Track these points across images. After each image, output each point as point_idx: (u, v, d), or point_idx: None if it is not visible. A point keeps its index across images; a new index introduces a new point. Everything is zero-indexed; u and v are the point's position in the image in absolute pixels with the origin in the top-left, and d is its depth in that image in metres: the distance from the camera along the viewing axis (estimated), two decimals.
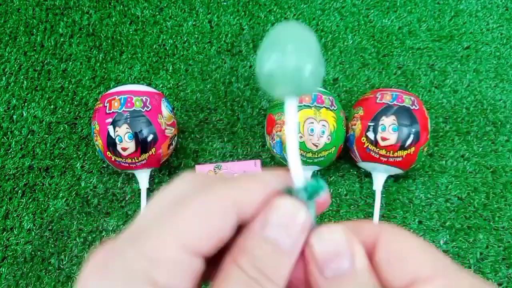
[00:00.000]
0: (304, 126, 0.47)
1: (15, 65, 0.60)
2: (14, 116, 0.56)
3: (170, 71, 0.59)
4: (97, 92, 0.58)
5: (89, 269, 0.15)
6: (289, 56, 0.16)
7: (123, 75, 0.59)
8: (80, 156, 0.54)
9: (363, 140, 0.48)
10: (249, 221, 0.16)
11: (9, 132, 0.56)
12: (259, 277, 0.15)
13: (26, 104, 0.57)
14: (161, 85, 0.59)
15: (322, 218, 0.52)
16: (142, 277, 0.14)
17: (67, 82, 0.59)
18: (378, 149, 0.47)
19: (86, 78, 0.59)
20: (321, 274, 0.16)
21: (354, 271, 0.16)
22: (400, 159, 0.47)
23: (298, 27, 0.17)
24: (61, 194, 0.52)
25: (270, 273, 0.15)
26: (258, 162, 0.51)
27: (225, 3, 0.64)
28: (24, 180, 0.53)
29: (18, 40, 0.61)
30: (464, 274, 0.16)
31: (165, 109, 0.48)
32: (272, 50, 0.16)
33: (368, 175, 0.54)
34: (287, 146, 0.17)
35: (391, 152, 0.47)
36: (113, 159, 0.47)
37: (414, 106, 0.48)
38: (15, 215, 0.51)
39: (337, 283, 0.15)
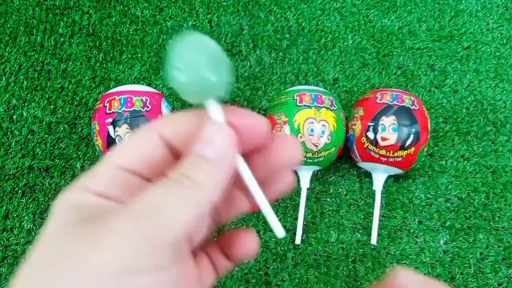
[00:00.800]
0: (304, 126, 0.47)
1: (15, 65, 0.60)
2: (14, 116, 0.56)
3: None
4: (97, 92, 0.58)
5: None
6: (189, 69, 0.19)
7: (123, 75, 0.59)
8: (80, 156, 0.54)
9: (363, 140, 0.48)
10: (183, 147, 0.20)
11: (9, 132, 0.56)
12: (178, 178, 0.18)
13: (26, 104, 0.57)
14: (161, 85, 0.59)
15: (322, 218, 0.52)
16: (80, 187, 0.19)
17: (67, 82, 0.59)
18: (378, 149, 0.47)
19: (86, 78, 0.59)
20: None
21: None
22: (400, 159, 0.47)
23: (196, 40, 0.20)
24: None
25: (192, 174, 0.18)
26: None
27: (225, 3, 0.64)
28: (24, 180, 0.53)
29: (18, 40, 0.61)
30: None
31: (165, 109, 0.48)
32: (179, 66, 0.19)
33: (368, 175, 0.54)
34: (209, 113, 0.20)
35: (391, 152, 0.47)
36: None
37: (414, 106, 0.48)
38: (15, 215, 0.51)
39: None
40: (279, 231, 0.21)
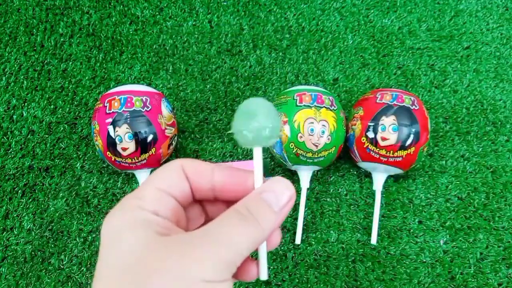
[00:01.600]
0: (304, 126, 0.47)
1: (15, 65, 0.60)
2: (14, 116, 0.56)
3: (170, 71, 0.60)
4: (97, 92, 0.58)
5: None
6: (254, 125, 0.24)
7: (123, 75, 0.59)
8: (80, 156, 0.54)
9: (363, 140, 0.48)
10: (203, 187, 0.24)
11: (9, 132, 0.56)
12: (248, 215, 0.22)
13: (26, 104, 0.57)
14: (161, 85, 0.59)
15: (322, 218, 0.52)
16: (133, 207, 0.21)
17: (67, 82, 0.59)
18: (378, 149, 0.47)
19: (86, 78, 0.59)
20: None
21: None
22: (400, 159, 0.47)
23: (260, 101, 0.25)
24: (61, 194, 0.52)
25: (258, 215, 0.22)
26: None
27: (225, 3, 0.64)
28: (24, 180, 0.53)
29: (18, 40, 0.61)
30: None
31: (165, 109, 0.48)
32: (243, 120, 0.24)
33: (368, 175, 0.54)
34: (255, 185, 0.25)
35: (391, 152, 0.47)
36: (113, 159, 0.47)
37: (414, 106, 0.48)
38: (15, 215, 0.51)
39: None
40: (263, 274, 0.25)
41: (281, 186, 0.23)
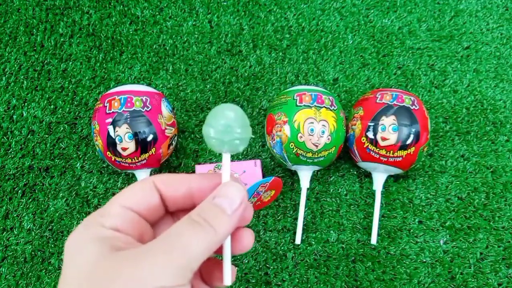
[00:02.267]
0: (304, 126, 0.47)
1: (15, 65, 0.60)
2: (14, 116, 0.56)
3: (170, 71, 0.60)
4: (97, 92, 0.58)
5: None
6: (223, 131, 0.25)
7: (123, 75, 0.59)
8: (80, 156, 0.54)
9: (363, 140, 0.48)
10: (175, 198, 0.25)
11: (9, 132, 0.56)
12: (200, 221, 0.22)
13: (26, 104, 0.57)
14: (161, 85, 0.59)
15: (322, 218, 0.52)
16: (94, 223, 0.23)
17: (67, 82, 0.59)
18: (378, 149, 0.47)
19: (86, 78, 0.59)
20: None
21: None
22: (400, 159, 0.47)
23: (230, 107, 0.25)
24: (61, 194, 0.52)
25: (211, 220, 0.22)
26: (258, 162, 0.51)
27: (225, 3, 0.64)
28: (24, 180, 0.53)
29: (18, 40, 0.61)
30: None
31: (165, 109, 0.48)
32: (212, 125, 0.25)
33: (368, 175, 0.54)
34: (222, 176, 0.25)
35: (391, 152, 0.47)
36: (113, 159, 0.47)
37: (414, 106, 0.48)
38: (15, 215, 0.51)
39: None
40: (227, 279, 0.25)
41: (233, 190, 0.24)
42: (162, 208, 0.25)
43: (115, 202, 0.24)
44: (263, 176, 0.52)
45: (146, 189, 0.25)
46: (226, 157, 0.26)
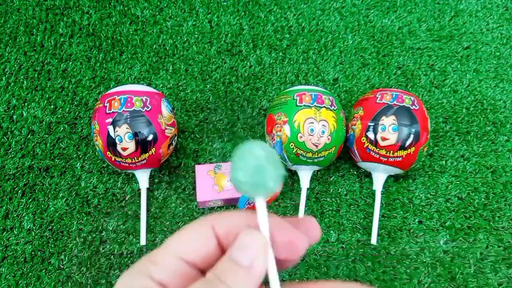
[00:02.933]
0: (304, 126, 0.47)
1: (15, 65, 0.60)
2: (14, 116, 0.56)
3: (170, 71, 0.60)
4: (97, 92, 0.58)
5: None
6: (254, 173, 0.22)
7: (123, 75, 0.59)
8: (80, 156, 0.54)
9: (363, 140, 0.48)
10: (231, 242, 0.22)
11: (9, 132, 0.56)
12: (215, 281, 0.20)
13: (26, 104, 0.57)
14: (161, 85, 0.59)
15: (322, 218, 0.52)
16: (143, 272, 0.20)
17: (67, 82, 0.59)
18: (378, 149, 0.47)
19: (86, 78, 0.59)
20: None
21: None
22: (400, 159, 0.47)
23: (258, 145, 0.23)
24: (61, 194, 0.52)
25: (227, 279, 0.20)
26: None
27: (225, 3, 0.64)
28: (24, 180, 0.53)
29: (18, 40, 0.61)
30: None
31: (165, 109, 0.48)
32: (241, 168, 0.22)
33: (368, 175, 0.54)
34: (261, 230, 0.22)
35: (391, 152, 0.47)
36: (113, 159, 0.47)
37: (414, 106, 0.48)
38: (15, 215, 0.51)
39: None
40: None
41: (250, 239, 0.21)
42: (218, 254, 0.22)
43: (171, 249, 0.21)
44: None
45: (204, 234, 0.22)
46: (261, 202, 0.22)
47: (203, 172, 0.51)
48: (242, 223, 0.22)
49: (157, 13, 0.64)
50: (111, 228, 0.51)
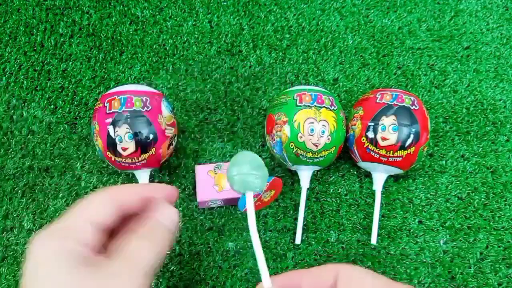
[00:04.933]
0: (304, 126, 0.47)
1: (15, 65, 0.60)
2: (14, 116, 0.56)
3: (170, 71, 0.60)
4: (97, 92, 0.58)
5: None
6: (250, 180, 0.31)
7: (123, 75, 0.59)
8: (80, 156, 0.54)
9: (363, 140, 0.48)
10: (131, 210, 0.30)
11: (9, 132, 0.56)
12: (149, 236, 0.28)
13: (26, 104, 0.57)
14: (161, 85, 0.59)
15: (322, 218, 0.52)
16: (60, 236, 0.25)
17: (67, 82, 0.59)
18: (378, 149, 0.47)
19: (86, 78, 0.59)
20: None
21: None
22: (400, 159, 0.47)
23: (249, 154, 0.32)
24: (61, 194, 0.52)
25: (152, 237, 0.28)
26: None
27: (225, 3, 0.64)
28: (24, 180, 0.53)
29: (18, 40, 0.61)
30: None
31: (165, 109, 0.48)
32: (235, 165, 0.31)
33: (368, 175, 0.54)
34: (249, 228, 0.30)
35: (391, 152, 0.47)
36: (113, 159, 0.47)
37: (414, 106, 0.48)
38: (15, 215, 0.51)
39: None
40: (267, 283, 0.28)
41: (167, 208, 0.31)
42: (119, 217, 0.29)
43: (79, 216, 0.27)
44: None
45: (104, 202, 0.28)
46: (249, 196, 0.31)
47: (203, 172, 0.51)
48: (134, 190, 0.30)
49: (157, 13, 0.64)
50: None
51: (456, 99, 0.59)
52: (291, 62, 0.60)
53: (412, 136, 0.47)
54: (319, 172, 0.54)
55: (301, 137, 0.47)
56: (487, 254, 0.50)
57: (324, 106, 0.48)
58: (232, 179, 0.31)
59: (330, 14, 0.64)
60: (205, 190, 0.49)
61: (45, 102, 0.57)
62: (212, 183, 0.50)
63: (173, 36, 0.62)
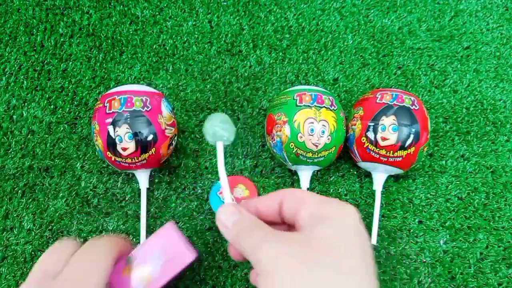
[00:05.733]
0: (304, 126, 0.47)
1: (15, 65, 0.60)
2: (14, 116, 0.56)
3: (170, 71, 0.60)
4: (97, 92, 0.58)
5: None
6: (217, 130, 0.38)
7: (123, 75, 0.59)
8: (80, 156, 0.54)
9: (363, 140, 0.48)
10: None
11: (9, 132, 0.56)
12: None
13: (26, 104, 0.57)
14: (161, 85, 0.59)
15: None
16: None
17: (67, 82, 0.59)
18: (378, 149, 0.47)
19: (86, 78, 0.59)
20: (226, 228, 0.32)
21: (242, 216, 0.32)
22: (400, 159, 0.47)
23: (221, 115, 0.39)
24: (61, 194, 0.52)
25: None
26: (170, 226, 0.41)
27: (225, 3, 0.64)
28: (24, 180, 0.53)
29: (18, 40, 0.61)
30: (332, 201, 0.31)
31: (165, 109, 0.48)
32: (209, 126, 0.39)
33: (368, 175, 0.54)
34: (219, 175, 0.37)
35: (391, 152, 0.47)
36: (113, 159, 0.47)
37: (414, 106, 0.48)
38: (15, 215, 0.51)
39: (234, 226, 0.32)
40: (228, 199, 0.35)
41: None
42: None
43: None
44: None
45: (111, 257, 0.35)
46: (220, 146, 0.37)
47: (117, 276, 0.37)
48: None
49: (157, 13, 0.64)
50: (111, 228, 0.51)
51: (456, 99, 0.59)
52: (291, 62, 0.60)
53: (412, 136, 0.47)
54: (319, 172, 0.54)
55: (301, 137, 0.47)
56: (487, 254, 0.50)
57: (324, 106, 0.48)
58: (205, 130, 0.38)
59: (330, 14, 0.64)
60: None
61: (45, 102, 0.57)
62: (130, 282, 0.38)
63: (173, 36, 0.62)
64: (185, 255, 0.39)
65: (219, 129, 0.38)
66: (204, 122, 0.39)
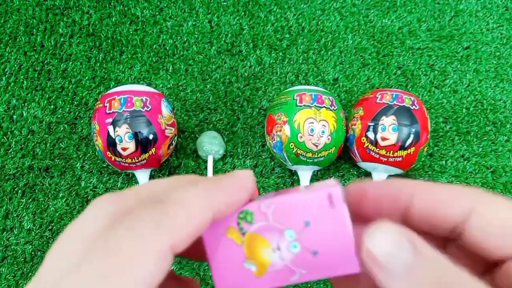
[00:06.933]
0: (304, 126, 0.47)
1: (15, 65, 0.60)
2: (14, 116, 0.56)
3: (170, 71, 0.60)
4: (97, 92, 0.58)
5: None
6: (207, 147, 0.50)
7: (123, 75, 0.59)
8: (80, 156, 0.54)
9: (363, 140, 0.48)
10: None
11: (9, 132, 0.56)
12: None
13: (26, 104, 0.57)
14: (161, 85, 0.59)
15: None
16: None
17: (67, 82, 0.59)
18: (378, 149, 0.47)
19: (86, 78, 0.59)
20: (391, 276, 0.15)
21: (422, 258, 0.15)
22: (400, 159, 0.47)
23: (212, 133, 0.51)
24: (61, 194, 0.52)
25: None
26: (335, 192, 0.19)
27: (225, 3, 0.64)
28: (24, 180, 0.53)
29: (18, 40, 0.61)
30: None
31: (165, 109, 0.48)
32: (202, 144, 0.50)
33: (368, 175, 0.54)
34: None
35: (391, 152, 0.47)
36: (113, 159, 0.47)
37: (414, 106, 0.48)
38: (15, 215, 0.51)
39: (408, 276, 0.15)
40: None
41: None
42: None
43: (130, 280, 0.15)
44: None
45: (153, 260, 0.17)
46: (210, 159, 0.46)
47: (217, 235, 0.21)
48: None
49: (157, 13, 0.64)
50: None
51: (456, 99, 0.59)
52: (291, 62, 0.60)
53: (412, 136, 0.47)
54: (319, 172, 0.54)
55: (301, 137, 0.47)
56: None
57: (324, 106, 0.48)
58: (197, 145, 0.49)
59: (330, 14, 0.64)
60: (228, 272, 0.21)
61: (45, 102, 0.57)
62: (241, 257, 0.20)
63: (173, 36, 0.62)
64: (351, 260, 0.19)
65: (207, 145, 0.49)
66: (198, 136, 0.45)
